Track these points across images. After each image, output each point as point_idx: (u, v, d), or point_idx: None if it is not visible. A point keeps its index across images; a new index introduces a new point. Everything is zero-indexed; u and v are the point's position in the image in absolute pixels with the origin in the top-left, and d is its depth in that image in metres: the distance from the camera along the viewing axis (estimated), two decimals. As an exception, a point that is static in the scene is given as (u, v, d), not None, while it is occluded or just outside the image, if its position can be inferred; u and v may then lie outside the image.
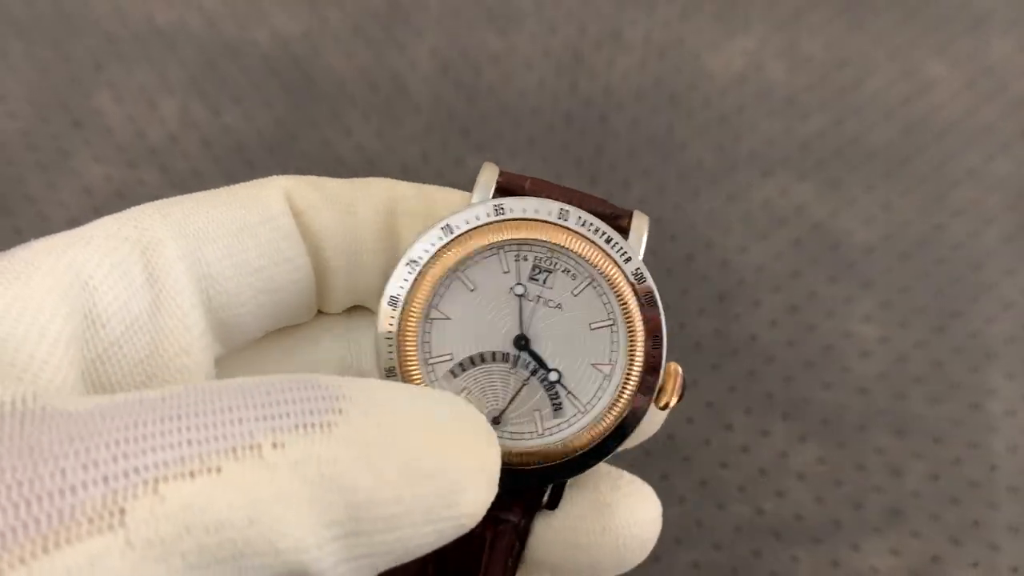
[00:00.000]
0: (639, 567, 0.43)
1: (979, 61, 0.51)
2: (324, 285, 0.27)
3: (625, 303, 0.25)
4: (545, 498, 0.25)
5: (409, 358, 0.25)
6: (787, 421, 0.45)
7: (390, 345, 0.25)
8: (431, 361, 0.25)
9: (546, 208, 0.25)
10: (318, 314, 0.28)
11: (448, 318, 0.25)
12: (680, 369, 0.25)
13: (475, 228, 0.25)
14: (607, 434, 0.25)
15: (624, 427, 0.25)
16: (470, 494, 0.21)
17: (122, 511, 0.17)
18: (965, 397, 0.45)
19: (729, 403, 0.45)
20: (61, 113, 0.51)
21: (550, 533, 0.26)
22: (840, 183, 0.49)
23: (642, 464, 0.45)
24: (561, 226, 0.25)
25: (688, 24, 0.52)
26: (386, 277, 0.25)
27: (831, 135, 0.50)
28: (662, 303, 0.26)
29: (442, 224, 0.25)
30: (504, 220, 0.25)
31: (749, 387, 0.46)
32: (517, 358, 0.25)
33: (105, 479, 0.17)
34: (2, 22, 0.53)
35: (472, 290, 0.25)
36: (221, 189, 0.26)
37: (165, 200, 0.25)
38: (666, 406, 0.25)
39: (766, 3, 0.52)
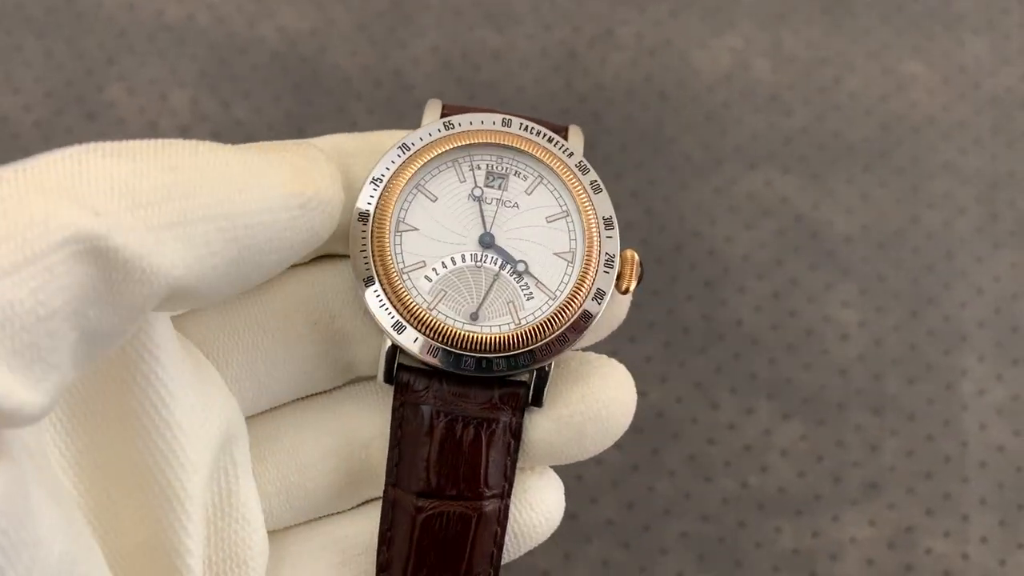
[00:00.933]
0: (632, 533, 0.45)
1: (954, 60, 0.53)
2: None
3: (574, 194, 0.28)
4: (530, 396, 0.27)
5: (388, 266, 0.26)
6: (771, 400, 0.48)
7: (366, 258, 0.27)
8: (406, 270, 0.27)
9: (490, 119, 0.28)
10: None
11: (416, 228, 0.27)
12: (637, 255, 0.28)
13: (428, 143, 0.27)
14: (577, 315, 0.27)
15: (590, 310, 0.27)
16: (295, 161, 0.22)
17: None
18: (939, 378, 0.48)
19: (715, 383, 0.48)
20: (75, 105, 0.53)
21: (536, 416, 0.27)
22: (821, 176, 0.51)
23: (633, 440, 0.47)
24: (506, 132, 0.28)
25: (677, 23, 0.54)
26: (346, 212, 0.27)
27: (813, 130, 0.52)
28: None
29: (399, 144, 0.27)
30: (454, 133, 0.28)
31: (734, 368, 0.48)
32: (485, 256, 0.27)
33: None
34: (16, 17, 0.55)
35: (434, 201, 0.27)
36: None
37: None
38: (627, 290, 0.28)
39: (751, 4, 0.55)
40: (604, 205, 0.28)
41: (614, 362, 0.28)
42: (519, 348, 0.27)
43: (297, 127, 0.52)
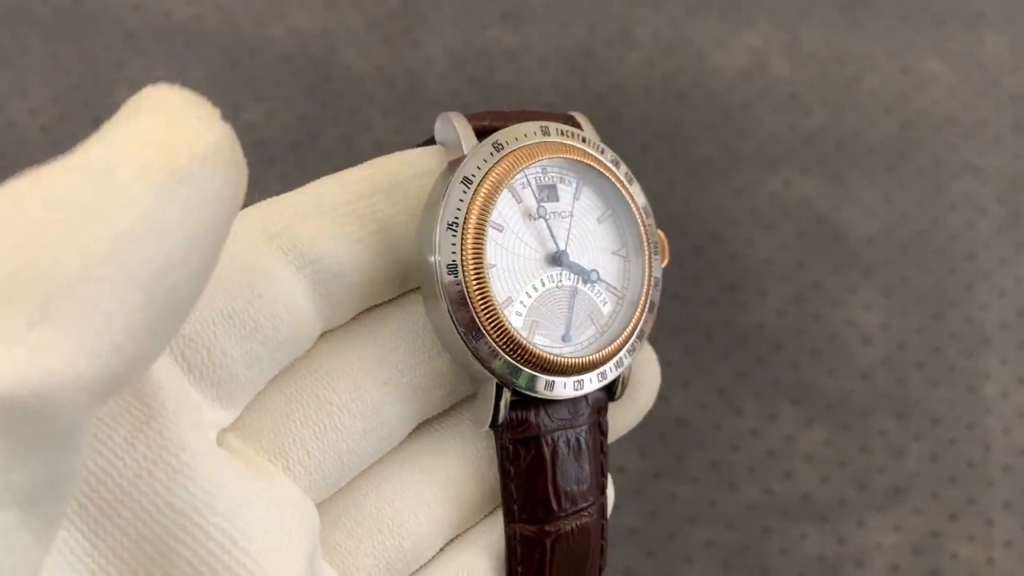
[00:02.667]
0: (656, 541, 0.45)
1: (973, 58, 0.53)
2: (317, 299, 0.25)
3: (616, 191, 0.27)
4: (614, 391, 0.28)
5: (493, 312, 0.25)
6: (794, 405, 0.47)
7: (466, 311, 0.25)
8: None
9: (530, 129, 0.27)
10: (323, 335, 0.26)
11: (494, 265, 0.26)
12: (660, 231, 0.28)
13: (487, 171, 0.26)
14: (647, 308, 0.28)
15: (654, 299, 0.28)
16: (148, 123, 0.17)
17: None
18: (962, 381, 0.48)
19: (738, 389, 0.48)
20: (82, 110, 0.52)
21: None
22: (842, 177, 0.51)
23: (656, 447, 0.47)
24: (552, 142, 0.27)
25: (694, 22, 0.54)
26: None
27: (833, 130, 0.52)
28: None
29: (461, 179, 0.26)
30: (509, 154, 0.26)
31: (757, 373, 0.48)
32: (562, 275, 0.27)
33: None
34: (22, 20, 0.54)
35: (501, 231, 0.26)
36: None
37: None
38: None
39: (769, 2, 0.54)
40: (639, 194, 0.28)
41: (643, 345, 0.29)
42: (604, 362, 0.27)
43: (310, 129, 0.52)
